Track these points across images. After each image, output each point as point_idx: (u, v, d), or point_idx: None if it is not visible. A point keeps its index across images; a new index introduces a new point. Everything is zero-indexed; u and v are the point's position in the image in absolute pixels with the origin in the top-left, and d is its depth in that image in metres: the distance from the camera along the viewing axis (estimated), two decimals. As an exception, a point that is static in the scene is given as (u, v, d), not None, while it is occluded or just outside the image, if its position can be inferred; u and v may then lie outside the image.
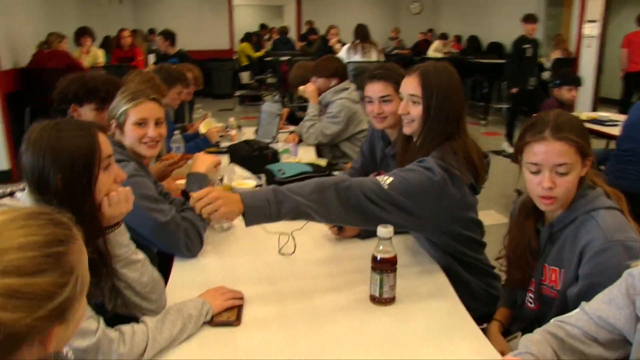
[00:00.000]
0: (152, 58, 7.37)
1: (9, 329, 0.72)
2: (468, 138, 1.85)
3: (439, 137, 1.81)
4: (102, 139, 1.40)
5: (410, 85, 1.87)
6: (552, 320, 1.35)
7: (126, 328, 1.35)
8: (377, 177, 1.70)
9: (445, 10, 13.51)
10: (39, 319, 0.75)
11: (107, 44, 8.26)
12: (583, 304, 1.33)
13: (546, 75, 8.99)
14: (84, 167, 1.33)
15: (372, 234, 1.78)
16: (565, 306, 1.50)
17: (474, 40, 11.64)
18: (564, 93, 4.53)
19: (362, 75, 2.57)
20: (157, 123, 2.05)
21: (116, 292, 1.51)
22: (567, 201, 1.51)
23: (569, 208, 1.52)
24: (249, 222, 1.56)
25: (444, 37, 11.68)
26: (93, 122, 1.47)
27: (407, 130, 1.92)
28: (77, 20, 7.91)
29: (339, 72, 3.85)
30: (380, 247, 1.58)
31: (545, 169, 1.47)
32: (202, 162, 2.28)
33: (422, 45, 12.26)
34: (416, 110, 1.85)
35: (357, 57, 6.49)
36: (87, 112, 2.43)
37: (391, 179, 1.67)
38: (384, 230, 1.58)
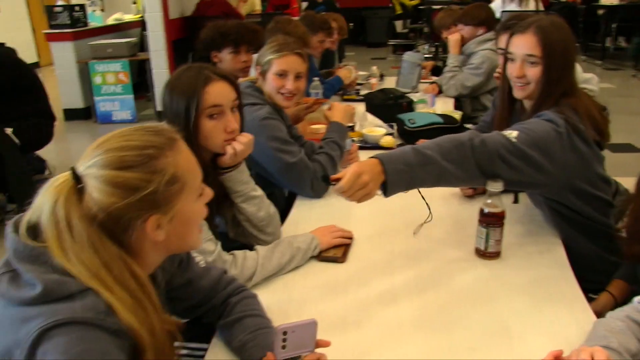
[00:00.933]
0: (304, 5, 7.55)
1: (109, 210, 0.91)
2: (582, 93, 1.74)
3: (553, 98, 1.69)
4: (215, 88, 1.52)
5: (526, 43, 1.72)
6: (634, 300, 1.25)
7: (239, 253, 1.51)
8: (502, 132, 1.63)
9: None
10: (129, 205, 0.92)
11: (267, -8, 8.60)
12: None
13: None
14: (185, 110, 1.49)
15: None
16: None
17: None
18: None
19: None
20: (297, 76, 2.14)
21: (237, 222, 1.68)
22: None
23: None
24: (390, 191, 1.48)
25: (622, -19, 10.50)
26: (218, 70, 1.59)
27: (520, 94, 1.78)
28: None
29: (488, 21, 3.71)
30: (489, 201, 1.58)
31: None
32: (338, 111, 2.36)
33: (595, -9, 11.13)
34: (533, 72, 1.72)
35: (513, 6, 6.12)
36: (225, 56, 2.70)
37: (516, 132, 1.59)
38: (494, 185, 1.57)
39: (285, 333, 1.02)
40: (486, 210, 1.58)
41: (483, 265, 1.60)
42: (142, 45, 6.85)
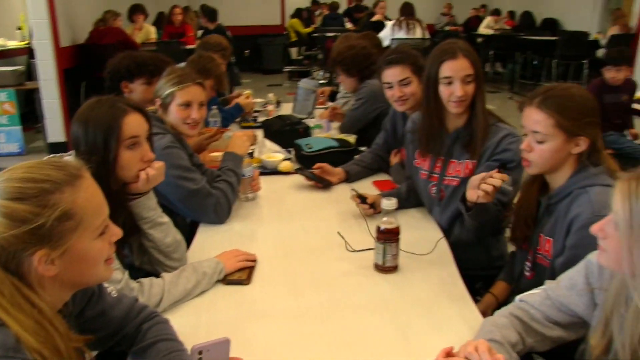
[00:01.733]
0: (199, 34, 7.58)
1: None
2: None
3: (483, 110, 2.01)
4: (132, 119, 1.56)
5: (461, 66, 1.96)
6: (516, 299, 1.42)
7: (146, 280, 1.53)
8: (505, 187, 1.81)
9: (499, -15, 13.19)
10: (14, 236, 0.93)
11: (160, 21, 8.53)
12: (547, 284, 1.40)
13: (600, 52, 8.73)
14: (104, 143, 1.51)
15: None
16: (554, 276, 1.58)
17: (528, 16, 11.38)
18: (606, 74, 4.41)
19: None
20: (200, 105, 2.20)
21: (144, 250, 1.70)
22: (547, 167, 1.60)
23: (567, 182, 1.60)
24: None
25: (496, 12, 11.44)
26: (131, 102, 1.63)
27: (458, 110, 2.00)
28: (131, -3, 8.19)
29: (374, 48, 3.90)
30: (384, 219, 1.70)
31: (529, 134, 1.61)
32: (239, 144, 2.37)
33: (474, 22, 12.04)
34: (470, 89, 1.98)
35: (402, 34, 6.51)
36: (137, 87, 2.63)
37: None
38: (387, 203, 1.70)
39: (200, 352, 1.07)
40: (382, 227, 1.70)
41: (381, 278, 1.71)
42: (29, 74, 6.56)
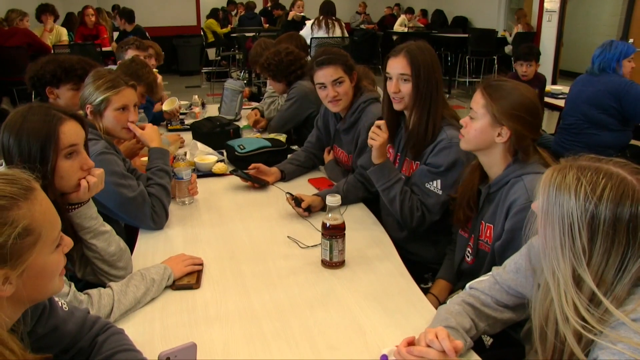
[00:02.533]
0: (115, 35, 7.33)
1: None
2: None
3: (437, 108, 2.07)
4: (68, 127, 1.50)
5: (398, 65, 2.07)
6: (467, 287, 1.50)
7: (94, 291, 1.47)
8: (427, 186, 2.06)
9: (410, -16, 13.61)
10: None
11: (70, 22, 8.17)
12: (494, 270, 1.48)
13: (508, 49, 9.21)
14: (40, 153, 1.45)
15: None
16: (494, 260, 1.67)
17: (439, 14, 11.80)
18: (517, 68, 4.68)
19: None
20: (134, 106, 2.16)
21: (86, 261, 1.64)
22: (472, 144, 1.74)
23: (504, 172, 1.70)
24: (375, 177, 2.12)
25: (410, 11, 11.79)
26: (65, 109, 1.56)
27: (398, 107, 2.13)
28: (39, -3, 7.79)
29: (299, 48, 3.93)
30: (329, 215, 1.73)
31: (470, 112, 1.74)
32: (155, 135, 2.29)
33: (389, 20, 12.37)
34: (406, 87, 2.07)
35: (321, 33, 6.56)
36: (64, 93, 2.49)
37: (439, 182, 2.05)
38: (332, 199, 1.73)
39: (168, 359, 1.05)
40: (328, 224, 1.73)
41: (330, 274, 1.74)
42: None
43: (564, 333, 1.11)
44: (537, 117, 1.68)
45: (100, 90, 2.06)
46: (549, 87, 5.35)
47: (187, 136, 3.35)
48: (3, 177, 0.96)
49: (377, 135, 2.03)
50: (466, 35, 9.56)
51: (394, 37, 11.11)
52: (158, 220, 2.06)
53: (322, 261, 1.78)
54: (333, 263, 1.76)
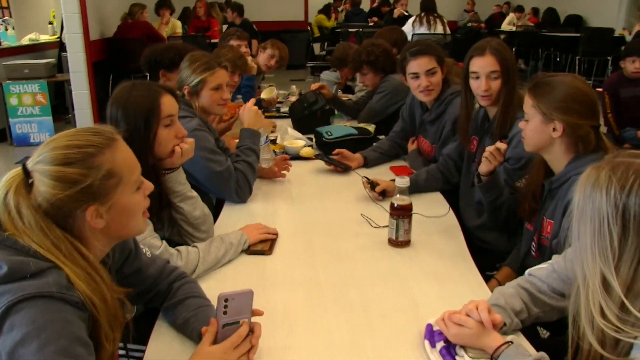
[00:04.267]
0: (224, 28, 7.72)
1: (52, 200, 1.05)
2: None
3: (514, 104, 2.09)
4: (166, 100, 1.71)
5: (487, 63, 2.11)
6: (526, 273, 1.51)
7: (182, 248, 1.67)
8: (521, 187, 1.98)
9: (523, -18, 13.14)
10: (68, 196, 1.05)
11: (186, 15, 8.70)
12: (554, 257, 1.48)
13: (625, 49, 8.67)
14: (144, 122, 1.65)
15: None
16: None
17: (551, 12, 11.30)
18: (627, 65, 4.31)
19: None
20: (227, 85, 2.38)
21: (173, 222, 1.83)
22: (532, 145, 1.74)
23: (565, 168, 1.69)
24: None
25: (519, 9, 11.40)
26: (163, 85, 1.77)
27: (485, 103, 2.18)
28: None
29: (398, 42, 3.99)
30: (398, 196, 1.81)
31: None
32: (247, 117, 2.43)
33: (497, 18, 12.00)
34: (496, 84, 2.12)
35: (423, 30, 6.56)
36: (175, 77, 2.70)
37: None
38: (401, 181, 1.80)
39: (226, 300, 1.18)
40: (396, 204, 1.81)
41: (395, 253, 1.82)
42: (59, 67, 6.77)
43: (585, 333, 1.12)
44: (590, 104, 1.65)
45: (197, 72, 2.26)
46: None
47: (281, 122, 3.53)
48: (90, 130, 1.14)
49: (495, 159, 1.93)
50: (578, 34, 9.11)
51: (501, 36, 10.80)
52: (241, 194, 2.23)
53: (389, 240, 1.86)
54: (399, 242, 1.83)
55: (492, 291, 1.86)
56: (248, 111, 2.43)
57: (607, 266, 1.08)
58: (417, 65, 2.53)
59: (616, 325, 1.07)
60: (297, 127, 3.30)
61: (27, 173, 1.06)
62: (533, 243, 1.84)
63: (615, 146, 1.69)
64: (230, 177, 2.20)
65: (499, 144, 1.91)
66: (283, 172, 2.55)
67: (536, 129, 1.68)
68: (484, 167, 1.96)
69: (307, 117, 3.36)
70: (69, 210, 1.07)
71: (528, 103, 1.70)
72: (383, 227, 1.97)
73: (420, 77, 2.53)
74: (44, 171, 1.06)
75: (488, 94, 2.13)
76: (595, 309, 1.09)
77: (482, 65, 2.12)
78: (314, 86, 3.71)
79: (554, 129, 1.65)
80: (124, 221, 1.16)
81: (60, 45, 7.19)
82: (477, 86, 2.15)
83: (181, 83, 2.32)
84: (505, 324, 1.34)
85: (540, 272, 1.48)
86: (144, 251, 1.39)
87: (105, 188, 1.10)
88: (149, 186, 1.23)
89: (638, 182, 1.05)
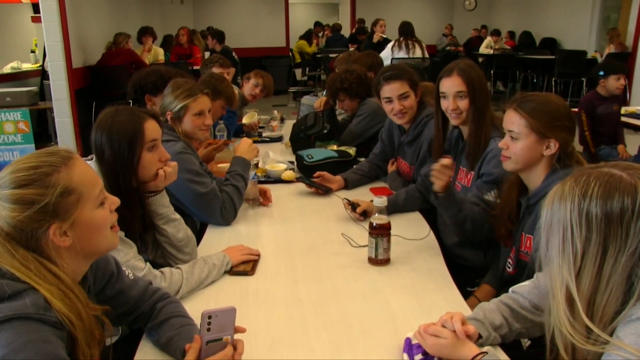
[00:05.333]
0: (207, 55, 7.81)
1: (13, 222, 1.08)
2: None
3: (488, 119, 2.17)
4: (150, 124, 1.75)
5: (454, 83, 2.20)
6: (509, 290, 1.56)
7: (166, 270, 1.70)
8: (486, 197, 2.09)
9: (499, 6, 13.45)
10: (28, 217, 1.09)
11: (167, 43, 8.78)
12: (536, 275, 1.52)
13: (598, 71, 8.90)
14: (128, 146, 1.69)
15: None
16: (534, 269, 1.72)
17: (527, 35, 11.57)
18: (612, 83, 4.44)
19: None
20: (208, 111, 2.43)
21: (157, 245, 1.86)
22: (520, 163, 1.76)
23: (542, 183, 1.75)
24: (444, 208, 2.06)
25: (496, 33, 11.67)
26: (146, 110, 1.82)
27: (456, 121, 2.26)
28: (141, 20, 8.46)
29: (374, 66, 4.08)
30: (376, 215, 1.86)
31: (507, 133, 1.79)
32: (241, 146, 2.54)
33: (475, 42, 12.27)
34: (464, 104, 2.19)
35: (402, 54, 6.69)
36: (160, 101, 2.74)
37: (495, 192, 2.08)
38: (379, 200, 1.86)
39: (210, 317, 1.22)
40: (375, 223, 1.86)
41: (375, 270, 1.86)
42: (42, 94, 6.79)
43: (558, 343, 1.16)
44: (573, 120, 1.75)
45: (180, 98, 2.32)
46: (634, 108, 5.20)
47: (262, 147, 3.58)
48: (45, 151, 1.17)
49: (443, 175, 1.96)
50: (553, 57, 9.34)
51: (479, 59, 11.04)
52: (226, 216, 2.27)
53: (369, 258, 1.91)
54: (378, 260, 1.88)
55: (471, 307, 1.93)
56: (243, 142, 2.53)
57: (570, 275, 1.12)
58: (390, 90, 2.62)
59: (583, 336, 1.10)
60: (293, 145, 3.48)
61: None
62: (509, 260, 1.90)
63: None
64: (215, 198, 2.24)
65: (443, 160, 1.95)
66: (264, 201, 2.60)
67: (529, 147, 1.72)
68: (436, 185, 1.98)
69: (302, 139, 3.47)
70: (31, 231, 1.10)
71: (517, 122, 1.73)
72: (363, 246, 2.01)
73: (393, 101, 2.62)
74: (2, 196, 1.09)
75: (456, 113, 2.21)
76: (561, 320, 1.14)
77: (449, 86, 2.21)
78: (318, 103, 3.78)
79: (547, 147, 1.71)
80: (90, 237, 1.18)
81: (42, 73, 7.21)
82: (446, 106, 2.23)
83: (164, 109, 2.38)
84: (481, 337, 1.39)
85: (522, 289, 1.52)
86: (127, 273, 1.43)
87: (64, 206, 1.12)
88: (114, 200, 1.26)
89: (598, 185, 1.10)
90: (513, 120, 1.75)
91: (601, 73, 4.61)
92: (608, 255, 1.09)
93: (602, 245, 1.09)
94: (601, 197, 1.09)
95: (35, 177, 1.10)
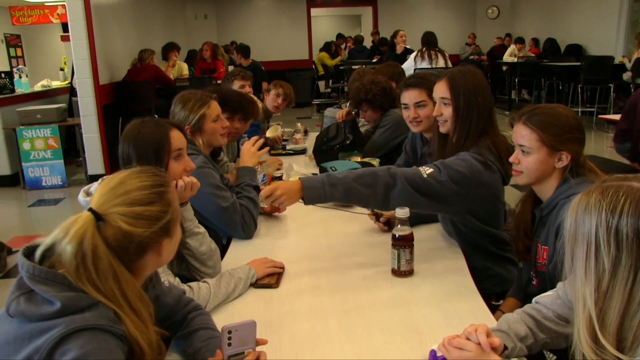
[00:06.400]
0: (230, 69, 7.90)
1: (138, 238, 1.13)
2: (499, 134, 2.12)
3: (474, 133, 2.08)
4: (175, 134, 1.80)
5: (440, 89, 2.16)
6: (533, 300, 1.54)
7: (194, 284, 1.72)
8: (419, 168, 1.97)
9: (522, 14, 13.37)
10: (153, 232, 1.15)
11: (192, 58, 8.92)
12: (559, 285, 1.50)
13: (626, 76, 8.76)
14: (155, 156, 1.73)
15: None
16: (552, 280, 1.70)
17: (551, 42, 11.46)
18: None
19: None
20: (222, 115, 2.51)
21: (182, 258, 1.88)
22: (533, 178, 1.74)
23: (553, 194, 1.74)
24: (307, 201, 1.89)
25: (520, 41, 11.59)
26: (170, 121, 1.86)
27: (442, 129, 2.22)
28: (165, 37, 8.62)
29: (395, 76, 4.09)
30: (398, 226, 1.86)
31: (517, 147, 1.76)
32: (248, 156, 2.55)
33: (498, 50, 12.21)
34: (447, 111, 2.14)
35: (425, 64, 6.69)
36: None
37: (431, 169, 1.95)
38: (400, 212, 1.85)
39: (230, 332, 1.23)
40: (397, 234, 1.85)
41: (399, 282, 1.86)
42: (70, 111, 6.95)
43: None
44: (583, 131, 1.73)
45: (194, 110, 2.38)
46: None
47: (286, 160, 3.61)
48: (147, 170, 1.23)
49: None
50: (578, 63, 9.23)
51: (504, 68, 10.97)
52: (247, 230, 2.29)
53: (392, 270, 1.90)
54: (401, 272, 1.88)
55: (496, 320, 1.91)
56: (243, 150, 2.56)
57: (592, 300, 1.10)
58: (408, 96, 2.63)
59: (608, 350, 1.08)
60: (317, 157, 3.49)
61: (97, 217, 1.11)
62: (532, 273, 1.88)
63: (603, 172, 1.74)
64: (236, 212, 2.26)
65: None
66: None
67: (541, 161, 1.70)
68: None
69: (325, 151, 3.48)
70: (150, 247, 1.16)
71: (527, 136, 1.71)
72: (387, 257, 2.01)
73: (409, 108, 2.62)
74: (126, 212, 1.13)
75: (441, 119, 2.18)
76: (582, 343, 1.12)
77: (436, 91, 2.21)
78: (339, 114, 3.79)
79: (559, 159, 1.70)
80: (172, 252, 1.26)
81: (70, 90, 7.40)
82: (434, 113, 2.24)
83: (182, 123, 2.39)
84: (506, 348, 1.37)
85: (545, 299, 1.50)
86: (162, 280, 1.45)
87: (174, 222, 1.21)
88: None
89: (629, 202, 1.07)
90: (523, 135, 1.72)
91: None
92: (639, 276, 1.06)
93: (634, 266, 1.06)
94: (632, 216, 1.06)
95: (157, 195, 1.18)
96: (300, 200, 1.89)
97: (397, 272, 1.89)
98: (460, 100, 2.10)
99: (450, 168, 1.93)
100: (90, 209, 1.12)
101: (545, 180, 1.75)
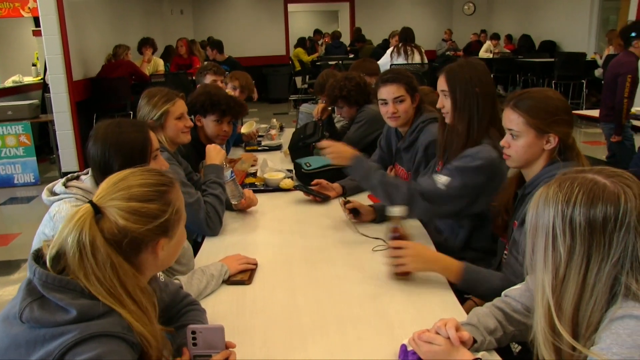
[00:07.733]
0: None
1: (132, 234, 1.12)
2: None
3: (480, 123, 2.13)
4: (152, 134, 1.81)
5: (440, 82, 2.22)
6: (502, 293, 1.56)
7: (166, 281, 1.69)
8: (435, 178, 2.10)
9: (498, 10, 13.49)
10: (149, 230, 1.14)
11: (168, 53, 8.84)
12: (527, 278, 1.52)
13: (598, 72, 8.91)
14: (139, 156, 1.73)
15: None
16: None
17: (526, 39, 11.61)
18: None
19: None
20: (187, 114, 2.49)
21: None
22: (522, 160, 1.78)
23: (540, 172, 1.77)
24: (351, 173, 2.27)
25: (495, 37, 11.71)
26: (144, 121, 1.85)
27: (447, 120, 2.25)
28: (141, 32, 8.50)
29: (373, 72, 4.10)
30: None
31: (507, 132, 1.80)
32: (214, 154, 2.54)
33: (475, 46, 12.32)
34: (448, 103, 2.19)
35: (401, 60, 6.71)
36: (208, 123, 2.90)
37: (445, 178, 2.08)
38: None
39: (194, 332, 1.24)
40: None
41: (370, 276, 1.87)
42: (43, 107, 6.84)
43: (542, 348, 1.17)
44: (571, 113, 1.76)
45: (158, 105, 2.38)
46: (634, 109, 5.16)
47: (261, 156, 3.60)
48: (152, 170, 1.24)
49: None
50: (552, 59, 9.36)
51: (479, 63, 11.05)
52: (212, 226, 2.28)
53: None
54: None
55: (467, 311, 1.93)
56: (208, 149, 2.55)
57: (550, 289, 1.14)
58: (386, 92, 2.64)
59: (564, 339, 1.12)
60: (292, 154, 3.48)
61: (96, 210, 1.12)
62: (505, 252, 1.90)
63: (588, 160, 1.77)
64: (200, 208, 2.26)
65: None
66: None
67: (529, 144, 1.74)
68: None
69: (301, 148, 3.47)
70: (144, 243, 1.16)
71: (515, 120, 1.75)
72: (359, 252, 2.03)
73: (388, 103, 2.63)
74: (123, 207, 1.13)
75: (444, 111, 2.22)
76: (543, 332, 1.15)
77: (438, 85, 2.25)
78: (316, 111, 3.78)
79: (547, 142, 1.73)
80: (174, 253, 1.27)
81: (43, 86, 7.27)
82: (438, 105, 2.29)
83: (144, 118, 2.40)
84: (476, 341, 1.39)
85: (514, 292, 1.53)
86: (157, 275, 1.44)
87: (173, 223, 1.20)
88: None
89: (582, 193, 1.11)
90: (511, 119, 1.77)
91: (633, 34, 4.54)
92: (592, 264, 1.10)
93: (586, 254, 1.10)
94: (584, 205, 1.10)
95: (157, 194, 1.18)
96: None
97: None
98: (456, 91, 2.16)
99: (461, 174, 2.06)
100: (90, 201, 1.14)
101: (534, 163, 1.78)
